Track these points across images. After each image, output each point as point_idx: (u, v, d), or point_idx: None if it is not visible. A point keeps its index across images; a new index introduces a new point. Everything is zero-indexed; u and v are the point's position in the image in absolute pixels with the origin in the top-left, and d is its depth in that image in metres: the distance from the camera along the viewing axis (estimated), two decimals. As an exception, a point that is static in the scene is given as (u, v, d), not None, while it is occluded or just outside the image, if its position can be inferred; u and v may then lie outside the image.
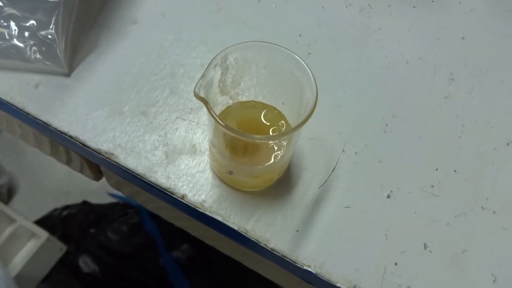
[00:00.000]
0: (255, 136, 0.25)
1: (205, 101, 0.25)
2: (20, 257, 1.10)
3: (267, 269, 0.40)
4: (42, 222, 1.15)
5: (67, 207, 1.20)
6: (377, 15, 0.43)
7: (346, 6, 0.43)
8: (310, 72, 0.27)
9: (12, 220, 1.12)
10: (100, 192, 1.26)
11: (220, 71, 0.27)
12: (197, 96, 0.25)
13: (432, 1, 0.44)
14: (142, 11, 0.40)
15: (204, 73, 0.26)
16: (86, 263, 1.09)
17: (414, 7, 0.44)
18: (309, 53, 0.40)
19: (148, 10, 0.40)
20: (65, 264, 1.10)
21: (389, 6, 0.43)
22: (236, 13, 0.41)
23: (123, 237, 1.13)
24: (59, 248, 1.10)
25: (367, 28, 0.42)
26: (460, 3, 0.45)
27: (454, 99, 0.39)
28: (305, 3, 0.43)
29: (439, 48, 0.41)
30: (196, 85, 0.25)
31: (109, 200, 1.23)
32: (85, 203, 1.21)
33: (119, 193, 1.27)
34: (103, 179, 0.45)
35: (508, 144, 0.37)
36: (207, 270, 1.09)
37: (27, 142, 0.43)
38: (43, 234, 1.07)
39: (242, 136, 0.25)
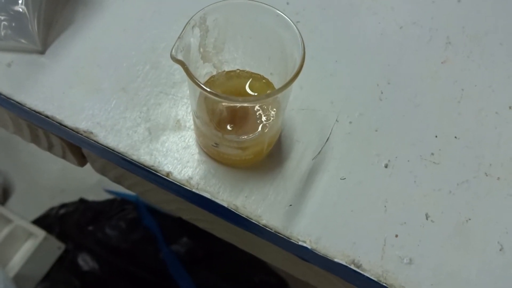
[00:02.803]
0: (238, 98, 0.23)
1: (182, 63, 0.23)
2: (18, 258, 1.09)
3: (263, 250, 0.38)
4: (39, 222, 1.14)
5: (64, 205, 1.19)
6: (368, -20, 0.41)
7: (336, -28, 0.41)
8: (296, 29, 0.25)
9: (8, 221, 1.11)
10: (96, 188, 1.25)
11: (199, 33, 0.25)
12: (173, 58, 0.23)
13: (426, -36, 0.42)
14: (120, -17, 0.38)
15: (180, 34, 0.24)
16: (85, 261, 1.09)
17: (406, -29, 0.42)
18: (298, 21, 0.38)
19: (126, -17, 0.38)
20: (64, 263, 1.10)
21: (380, -30, 0.41)
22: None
23: (122, 233, 1.12)
24: (57, 247, 1.10)
25: (358, -6, 0.40)
26: (454, -34, 0.43)
27: (452, 64, 0.37)
28: (292, -30, 0.40)
29: (435, 11, 0.39)
30: (173, 47, 0.23)
31: (106, 196, 1.22)
32: (81, 201, 1.20)
33: (116, 189, 1.26)
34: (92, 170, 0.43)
35: (510, 107, 0.35)
36: (207, 263, 1.09)
37: (5, 128, 0.41)
38: (40, 234, 1.06)
39: (224, 99, 0.23)
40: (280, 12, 0.25)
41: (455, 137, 0.33)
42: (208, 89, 0.22)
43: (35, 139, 0.40)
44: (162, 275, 1.06)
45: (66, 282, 1.08)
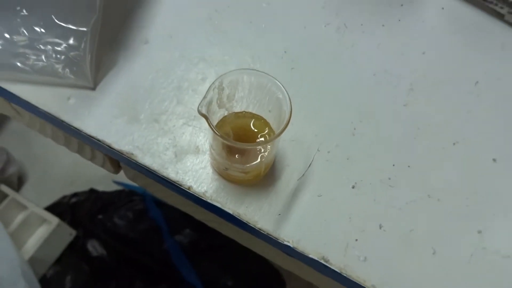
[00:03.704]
0: (244, 144, 0.33)
1: (206, 117, 0.33)
2: (32, 242, 1.16)
3: (258, 246, 0.49)
4: (52, 209, 1.21)
5: (75, 194, 1.26)
6: (351, 33, 0.50)
7: (325, 26, 0.51)
8: (286, 93, 0.35)
9: (23, 207, 1.19)
10: (105, 180, 1.32)
11: (217, 92, 0.35)
12: (200, 113, 0.33)
13: (399, 20, 0.52)
14: (152, 32, 0.48)
15: (205, 94, 0.34)
16: (94, 247, 1.16)
17: (383, 25, 0.52)
18: (292, 68, 0.47)
19: (157, 32, 0.48)
20: (75, 248, 1.16)
21: (361, 24, 0.51)
22: (231, 33, 0.49)
23: (129, 222, 1.19)
24: (68, 233, 1.17)
25: (342, 45, 0.50)
26: (423, 21, 0.52)
27: (412, 106, 0.47)
28: (289, 24, 0.50)
29: (403, 62, 0.49)
30: (199, 104, 0.33)
31: (115, 188, 1.29)
32: (92, 191, 1.27)
33: (124, 181, 1.32)
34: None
35: (454, 143, 0.45)
36: (209, 254, 1.16)
37: (56, 141, 0.51)
38: (54, 220, 1.13)
39: (234, 144, 0.33)
40: (276, 80, 0.35)
41: (408, 166, 0.43)
42: (224, 138, 0.32)
43: (80, 151, 0.50)
44: (166, 264, 1.13)
45: (76, 267, 1.14)
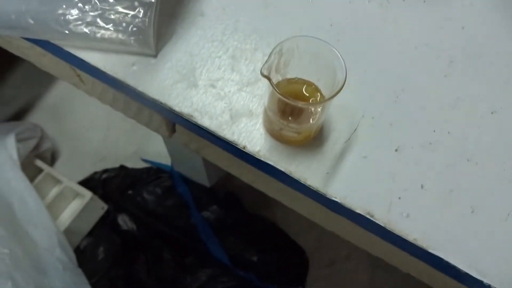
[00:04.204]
0: (301, 102, 0.36)
1: (269, 78, 0.36)
2: (67, 214, 1.22)
3: (300, 204, 0.52)
4: (84, 184, 1.25)
5: (106, 170, 1.31)
6: (394, 8, 0.53)
7: (369, 1, 0.53)
8: (342, 60, 0.38)
9: (57, 181, 1.23)
10: (133, 158, 1.37)
11: (277, 57, 0.39)
12: (262, 75, 0.36)
13: (439, -4, 0.54)
14: (207, 5, 0.51)
15: (267, 59, 0.37)
16: (124, 221, 1.21)
17: (424, 1, 0.54)
18: (338, 40, 0.50)
19: (211, 4, 0.51)
20: (106, 222, 1.21)
21: (403, 0, 0.54)
22: (280, 7, 0.52)
23: (157, 198, 1.23)
24: (100, 207, 1.22)
25: (385, 19, 0.52)
26: (462, -3, 0.55)
27: (452, 77, 0.49)
28: (335, -1, 0.53)
29: (443, 36, 0.52)
30: (262, 67, 0.36)
31: (143, 165, 1.34)
32: (122, 167, 1.32)
33: (152, 159, 1.36)
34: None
35: (492, 112, 0.47)
36: (234, 229, 1.20)
37: (114, 107, 0.55)
38: (87, 194, 1.17)
39: (292, 101, 0.36)
40: (333, 48, 0.38)
41: (448, 132, 0.46)
42: (285, 97, 0.35)
43: (137, 116, 0.54)
44: (193, 238, 1.18)
45: (108, 239, 1.19)
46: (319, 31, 0.50)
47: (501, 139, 0.46)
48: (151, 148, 1.40)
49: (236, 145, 0.44)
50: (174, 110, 0.45)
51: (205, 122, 0.44)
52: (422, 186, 0.43)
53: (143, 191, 1.25)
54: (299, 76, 0.43)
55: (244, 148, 0.44)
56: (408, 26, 0.52)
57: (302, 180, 0.43)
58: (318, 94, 0.43)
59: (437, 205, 0.43)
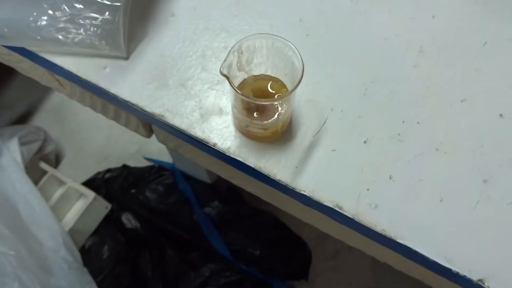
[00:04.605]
0: (262, 99, 0.37)
1: (227, 77, 0.37)
2: (71, 215, 1.24)
3: (277, 199, 0.53)
4: (87, 184, 1.28)
5: (109, 170, 1.33)
6: (364, 0, 0.53)
7: (339, -6, 0.54)
8: (299, 54, 0.38)
9: (62, 183, 1.26)
10: (136, 156, 1.39)
11: (237, 55, 0.39)
12: (221, 73, 0.37)
13: (411, -14, 0.54)
14: (178, 5, 0.52)
15: (226, 57, 0.38)
16: (128, 220, 1.23)
17: (394, -8, 0.54)
18: (307, 34, 0.51)
19: (182, 4, 0.52)
20: (110, 221, 1.24)
21: (374, -8, 0.54)
22: (251, 5, 0.52)
23: (160, 196, 1.25)
24: (104, 206, 1.24)
25: (355, 12, 0.52)
26: (434, -14, 0.54)
27: (421, 67, 0.49)
28: (305, -7, 0.53)
29: (413, 26, 0.52)
30: (221, 66, 0.37)
31: (145, 163, 1.35)
32: (124, 167, 1.34)
33: (154, 158, 1.38)
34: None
35: (462, 101, 0.48)
36: (236, 224, 1.21)
37: (94, 109, 0.56)
38: (91, 194, 1.19)
39: (253, 100, 0.37)
40: (289, 42, 0.39)
41: (417, 122, 0.46)
42: (244, 95, 0.36)
43: (116, 117, 0.55)
44: (196, 234, 1.19)
45: (113, 237, 1.21)
46: (289, 26, 0.51)
47: (471, 128, 0.46)
48: (153, 146, 1.42)
49: (207, 143, 0.45)
50: (145, 111, 0.46)
51: (176, 121, 0.45)
52: (390, 177, 0.44)
53: (146, 189, 1.27)
54: (266, 73, 0.44)
55: (214, 145, 0.45)
56: (378, 18, 0.52)
57: (272, 175, 0.43)
58: (285, 89, 0.43)
59: (406, 195, 0.43)
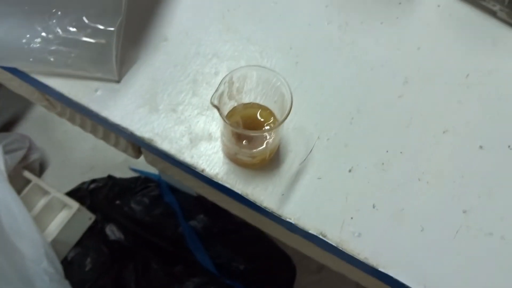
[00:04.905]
0: (250, 131, 0.38)
1: (218, 108, 0.38)
2: (54, 225, 1.22)
3: (264, 223, 0.54)
4: (72, 194, 1.26)
5: (94, 180, 1.32)
6: (352, 30, 0.55)
7: (328, 23, 0.55)
8: (288, 88, 0.39)
9: (45, 192, 1.24)
10: (122, 167, 1.38)
11: (228, 85, 0.40)
12: (212, 104, 0.38)
13: (397, 18, 0.56)
14: (171, 30, 0.53)
15: (217, 88, 0.38)
16: (112, 231, 1.22)
17: (381, 23, 0.56)
18: (297, 62, 0.52)
19: (175, 30, 0.53)
20: (94, 232, 1.22)
21: (361, 22, 0.55)
22: (242, 30, 0.54)
23: (145, 207, 1.24)
24: (88, 218, 1.23)
25: (343, 41, 0.54)
26: (419, 19, 0.56)
27: (406, 98, 0.51)
28: (295, 21, 0.55)
29: (399, 57, 0.53)
30: (211, 96, 0.38)
31: (131, 174, 1.34)
32: (110, 177, 1.33)
33: (140, 168, 1.37)
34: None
35: (444, 132, 0.49)
36: (221, 238, 1.21)
37: (84, 129, 0.56)
38: (74, 205, 1.18)
39: (242, 131, 0.38)
40: (279, 76, 0.40)
41: (401, 152, 0.48)
42: (233, 126, 0.37)
43: (105, 138, 0.55)
44: (181, 247, 1.18)
45: (96, 249, 1.20)
46: (279, 53, 0.52)
47: (452, 159, 0.48)
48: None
49: (195, 168, 0.45)
50: (135, 135, 0.46)
51: (165, 146, 0.46)
52: (373, 206, 0.45)
53: (131, 200, 1.26)
54: (255, 101, 0.45)
55: (202, 171, 0.45)
56: (365, 48, 0.54)
57: (258, 202, 0.44)
58: (272, 118, 0.44)
59: (388, 224, 0.44)
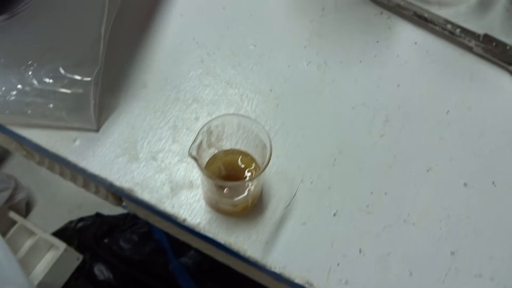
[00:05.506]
0: (230, 182, 0.37)
1: (196, 160, 0.37)
2: (41, 267, 1.19)
3: (249, 270, 0.52)
4: (59, 234, 1.24)
5: (81, 219, 1.30)
6: (331, 70, 0.55)
7: (307, 64, 0.55)
8: (267, 136, 0.39)
9: (32, 233, 1.22)
10: (110, 204, 1.38)
11: (206, 135, 0.40)
12: (190, 155, 0.37)
13: (375, 56, 0.57)
14: (150, 76, 0.53)
15: (195, 139, 0.38)
16: (101, 271, 1.19)
17: (360, 61, 0.56)
18: (277, 104, 0.52)
19: (154, 75, 0.53)
20: (82, 272, 1.19)
21: (340, 62, 0.56)
22: (221, 74, 0.54)
23: (134, 245, 1.21)
24: (76, 258, 1.20)
25: (323, 81, 0.54)
26: (397, 56, 0.57)
27: (388, 136, 0.51)
28: (275, 64, 0.55)
29: (379, 95, 0.54)
30: (190, 148, 0.37)
31: (120, 211, 1.30)
32: (98, 215, 1.30)
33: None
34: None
35: (427, 170, 0.49)
36: (213, 274, 1.18)
37: (63, 177, 0.55)
38: (61, 245, 1.16)
39: (221, 183, 0.37)
40: (256, 122, 0.40)
41: (385, 193, 0.47)
42: (213, 178, 0.36)
43: (86, 186, 0.54)
44: (171, 285, 1.15)
45: None
46: (259, 96, 0.52)
47: (437, 198, 0.47)
48: (128, 193, 1.39)
49: (176, 218, 0.44)
50: (115, 185, 0.45)
51: (145, 196, 0.45)
52: (360, 250, 0.44)
53: (120, 238, 1.24)
54: (236, 146, 0.45)
55: (184, 221, 0.44)
56: (345, 87, 0.54)
57: (242, 252, 0.43)
58: (254, 164, 0.44)
59: (376, 269, 0.43)
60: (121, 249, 1.21)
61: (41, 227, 1.21)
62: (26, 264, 1.14)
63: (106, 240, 1.23)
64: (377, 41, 0.58)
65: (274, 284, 0.51)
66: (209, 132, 0.40)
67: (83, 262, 1.21)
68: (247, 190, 0.42)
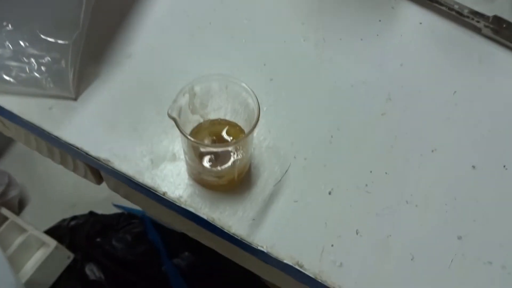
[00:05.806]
0: (211, 145, 0.34)
1: (175, 120, 0.33)
2: (31, 265, 1.16)
3: (237, 256, 0.48)
4: (51, 232, 1.21)
5: (74, 217, 1.27)
6: (330, 47, 0.52)
7: (304, 40, 0.52)
8: (254, 95, 0.35)
9: (23, 230, 1.19)
10: (105, 203, 1.33)
11: (188, 97, 0.36)
12: (169, 116, 0.34)
13: (377, 35, 0.53)
14: (136, 46, 0.49)
15: (175, 98, 0.34)
16: (92, 271, 1.15)
17: (361, 39, 0.53)
18: (271, 79, 0.48)
19: (140, 46, 0.49)
20: (73, 272, 1.16)
21: (340, 39, 0.52)
22: (212, 47, 0.50)
23: (127, 245, 1.18)
24: (66, 256, 1.17)
25: (320, 58, 0.51)
26: (401, 35, 0.54)
27: (390, 115, 0.47)
28: (270, 38, 0.52)
29: (381, 73, 0.50)
30: (169, 107, 0.34)
31: (114, 210, 1.30)
32: (91, 214, 1.27)
33: (124, 204, 1.33)
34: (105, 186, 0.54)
35: (432, 151, 0.45)
36: (207, 277, 1.15)
37: (40, 152, 0.52)
38: (52, 243, 1.13)
39: (201, 144, 0.33)
40: (244, 84, 0.36)
41: (386, 172, 0.43)
42: (193, 140, 0.33)
43: (63, 162, 0.50)
44: (164, 287, 1.12)
45: None
46: (252, 70, 0.49)
47: (443, 180, 0.43)
48: (123, 192, 1.37)
49: (155, 191, 0.40)
50: (90, 155, 0.42)
51: (123, 167, 0.41)
52: (357, 232, 0.40)
53: (113, 238, 1.21)
54: (225, 117, 0.41)
55: (164, 194, 0.40)
56: (345, 64, 0.50)
57: (226, 228, 0.39)
58: (243, 135, 0.40)
59: (374, 252, 0.39)
60: (113, 249, 1.18)
61: (32, 224, 1.18)
62: (15, 262, 1.10)
63: (98, 240, 1.20)
64: (380, 20, 0.55)
65: (262, 269, 0.47)
66: (192, 94, 0.37)
67: (75, 261, 1.17)
68: (231, 159, 0.38)
